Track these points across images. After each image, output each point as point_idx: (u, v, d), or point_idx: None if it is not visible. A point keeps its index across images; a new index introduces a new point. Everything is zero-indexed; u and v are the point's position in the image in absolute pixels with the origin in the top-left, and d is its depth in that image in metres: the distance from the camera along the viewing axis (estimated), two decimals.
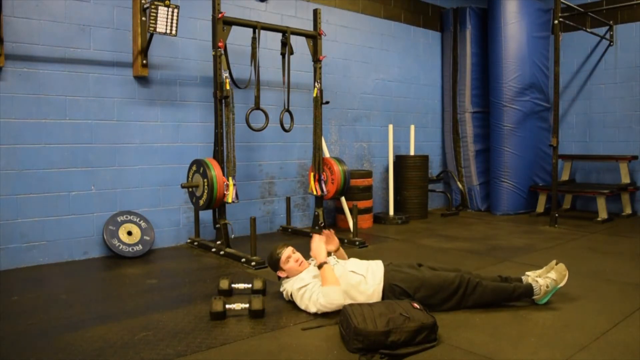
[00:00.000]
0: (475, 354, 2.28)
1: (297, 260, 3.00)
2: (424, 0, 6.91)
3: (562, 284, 2.89)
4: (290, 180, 5.52)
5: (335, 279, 2.77)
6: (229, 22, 4.25)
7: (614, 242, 4.79)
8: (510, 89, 6.32)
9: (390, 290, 2.80)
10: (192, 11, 4.68)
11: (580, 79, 6.95)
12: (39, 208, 3.94)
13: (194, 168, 4.25)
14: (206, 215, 4.73)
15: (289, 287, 2.95)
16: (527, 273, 2.97)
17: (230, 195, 4.09)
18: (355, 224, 4.63)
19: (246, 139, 5.03)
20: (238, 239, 4.66)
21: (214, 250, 4.29)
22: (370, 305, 2.50)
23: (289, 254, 3.01)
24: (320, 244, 2.96)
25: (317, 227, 5.00)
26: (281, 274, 3.03)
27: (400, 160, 6.30)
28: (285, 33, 4.64)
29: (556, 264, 2.97)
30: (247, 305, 2.75)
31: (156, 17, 3.93)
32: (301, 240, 4.88)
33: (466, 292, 2.79)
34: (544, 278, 2.89)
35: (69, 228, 4.08)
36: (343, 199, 5.41)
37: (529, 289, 2.84)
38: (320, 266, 2.84)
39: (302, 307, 2.84)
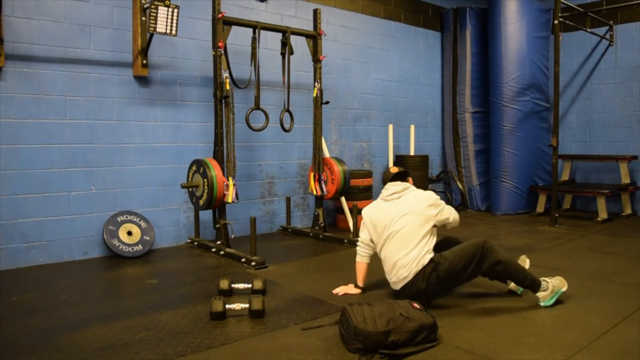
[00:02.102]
0: (475, 354, 2.28)
1: None
2: (424, 0, 6.91)
3: (564, 289, 2.97)
4: (290, 180, 5.52)
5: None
6: (229, 22, 4.25)
7: (614, 242, 4.79)
8: (510, 89, 6.32)
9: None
10: (192, 11, 4.67)
11: (580, 79, 6.95)
12: (39, 208, 3.94)
13: (194, 168, 4.25)
14: (206, 215, 4.73)
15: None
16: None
17: (230, 195, 4.09)
18: (355, 224, 4.63)
19: (246, 139, 5.03)
20: (238, 239, 4.66)
21: (214, 250, 4.29)
22: (370, 305, 2.50)
23: None
24: None
25: (317, 227, 5.01)
26: None
27: (400, 160, 6.30)
28: (285, 33, 4.64)
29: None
30: (247, 305, 2.75)
31: (156, 17, 3.93)
32: (301, 241, 4.89)
33: (482, 256, 2.91)
34: (550, 279, 2.97)
35: (69, 228, 4.08)
36: (343, 199, 5.41)
37: (537, 281, 2.91)
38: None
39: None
